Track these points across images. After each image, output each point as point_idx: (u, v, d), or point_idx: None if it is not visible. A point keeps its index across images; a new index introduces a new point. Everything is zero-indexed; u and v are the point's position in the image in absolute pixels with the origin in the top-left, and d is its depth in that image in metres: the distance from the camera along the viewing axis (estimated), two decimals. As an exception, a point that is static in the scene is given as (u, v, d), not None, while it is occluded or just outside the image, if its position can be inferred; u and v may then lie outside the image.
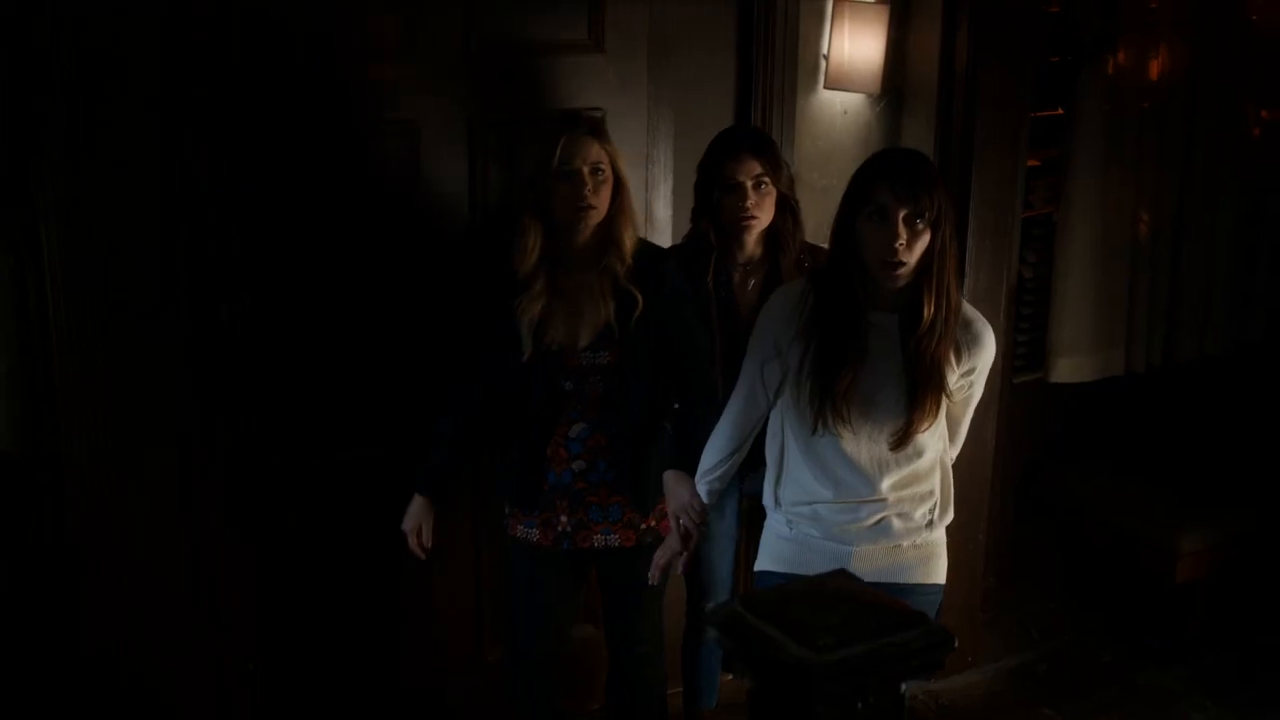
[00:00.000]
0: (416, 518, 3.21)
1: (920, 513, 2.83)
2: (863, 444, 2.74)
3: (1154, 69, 4.37)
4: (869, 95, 4.01)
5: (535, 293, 3.00)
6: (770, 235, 3.35)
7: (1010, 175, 4.04)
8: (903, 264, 2.59)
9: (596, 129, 3.03)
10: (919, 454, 2.76)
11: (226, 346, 3.20)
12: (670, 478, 3.02)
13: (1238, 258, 4.71)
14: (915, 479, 2.80)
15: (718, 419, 2.95)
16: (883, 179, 2.62)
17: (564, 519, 3.13)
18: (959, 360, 2.72)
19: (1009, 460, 4.47)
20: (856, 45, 3.90)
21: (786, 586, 1.70)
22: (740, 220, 3.27)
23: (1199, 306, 4.67)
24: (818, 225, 4.02)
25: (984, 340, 2.76)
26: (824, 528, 2.81)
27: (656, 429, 3.13)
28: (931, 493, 2.83)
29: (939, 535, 2.90)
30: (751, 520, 3.54)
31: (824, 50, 3.95)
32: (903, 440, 2.70)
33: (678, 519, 2.97)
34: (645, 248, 3.14)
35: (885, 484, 2.76)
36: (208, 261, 3.14)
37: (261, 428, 3.28)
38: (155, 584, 3.20)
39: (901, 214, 2.58)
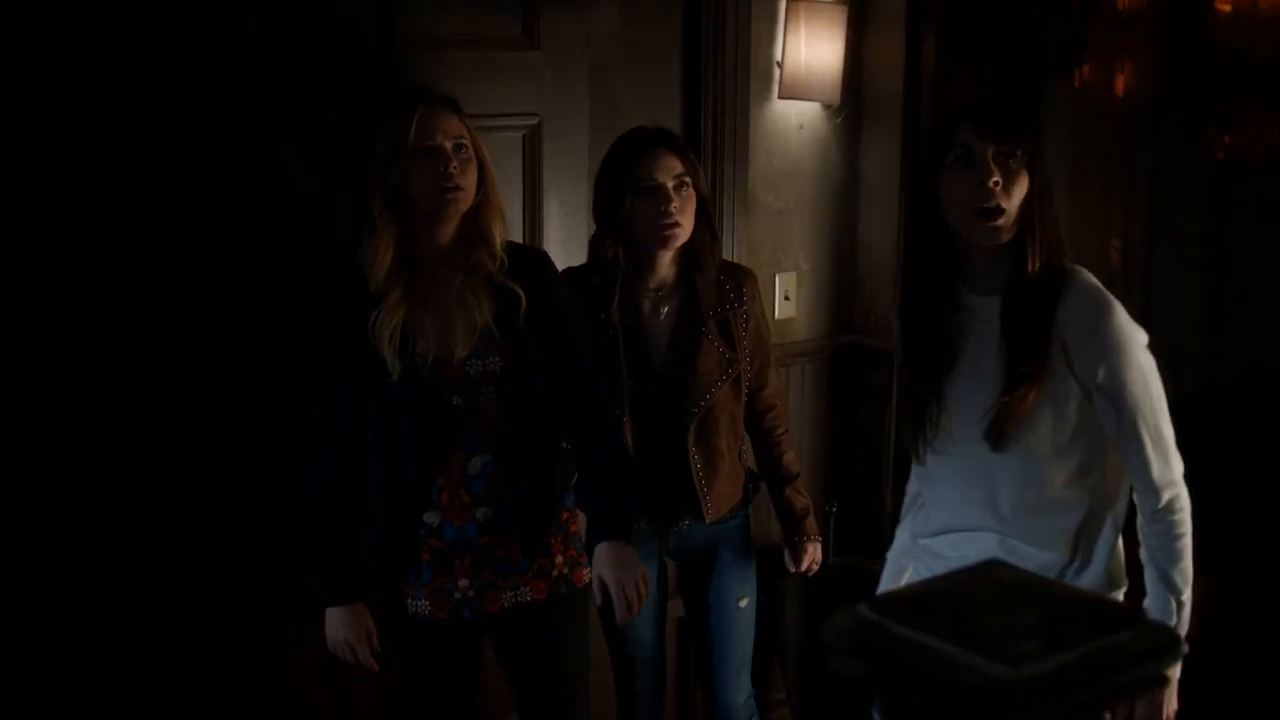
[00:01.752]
0: (345, 629, 2.57)
1: (1048, 556, 2.29)
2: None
3: (1119, 86, 4.11)
4: (827, 106, 3.65)
5: (393, 302, 2.46)
6: (686, 253, 2.85)
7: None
8: (1001, 210, 2.17)
9: (455, 104, 2.56)
10: (1042, 471, 2.28)
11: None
12: (609, 547, 2.56)
13: (1207, 291, 4.43)
14: (1040, 507, 2.29)
15: (621, 448, 2.62)
16: (963, 118, 2.22)
17: (464, 583, 2.57)
18: (1073, 346, 2.23)
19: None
20: (813, 50, 3.53)
21: (927, 584, 1.23)
22: (662, 229, 2.74)
23: (1169, 338, 4.37)
24: (773, 252, 3.65)
25: (1106, 320, 2.23)
26: (946, 565, 2.35)
27: (557, 453, 2.66)
28: (1067, 533, 2.30)
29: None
30: (691, 594, 3.05)
31: (777, 56, 3.58)
32: (997, 434, 2.23)
33: (622, 588, 2.52)
34: (517, 247, 2.66)
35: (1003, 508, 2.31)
36: None
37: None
38: None
39: (990, 152, 2.17)
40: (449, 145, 2.47)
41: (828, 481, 3.86)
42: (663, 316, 2.85)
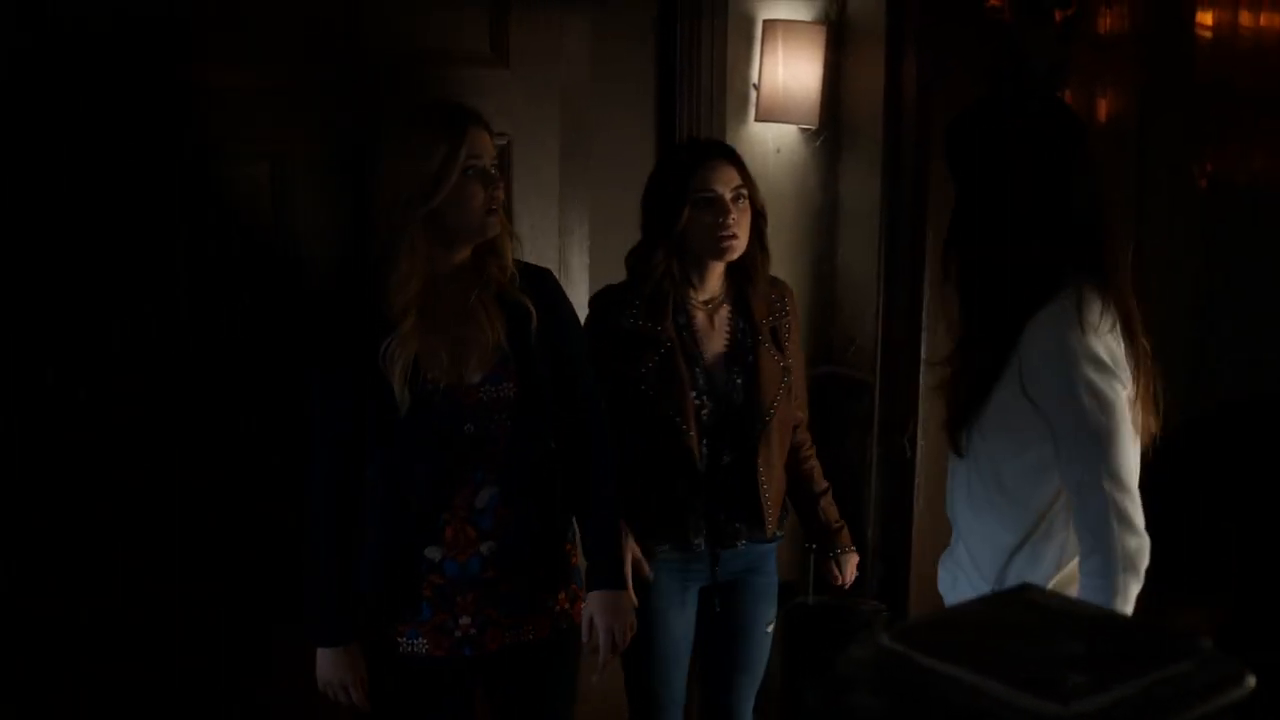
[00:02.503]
0: (340, 670, 2.44)
1: (966, 579, 2.28)
2: None
3: (1101, 111, 4.01)
4: (805, 129, 3.54)
5: (408, 329, 2.35)
6: (736, 265, 2.80)
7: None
8: None
9: (486, 122, 2.46)
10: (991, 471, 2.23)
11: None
12: (609, 594, 2.54)
13: (1195, 326, 4.33)
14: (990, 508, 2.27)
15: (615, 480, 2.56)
16: None
17: (465, 620, 2.46)
18: (1024, 359, 2.18)
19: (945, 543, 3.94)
20: (791, 71, 3.43)
21: (956, 611, 1.09)
22: (719, 241, 2.71)
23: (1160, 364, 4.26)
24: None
25: (1056, 336, 2.14)
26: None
27: (558, 482, 2.55)
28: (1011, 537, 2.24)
29: None
30: (716, 618, 2.91)
31: (754, 78, 3.48)
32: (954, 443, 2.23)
33: (611, 635, 2.50)
34: (522, 264, 2.56)
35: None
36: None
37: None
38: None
39: None
40: (490, 166, 2.41)
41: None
42: (715, 328, 2.80)
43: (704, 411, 2.73)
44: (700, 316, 2.79)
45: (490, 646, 2.47)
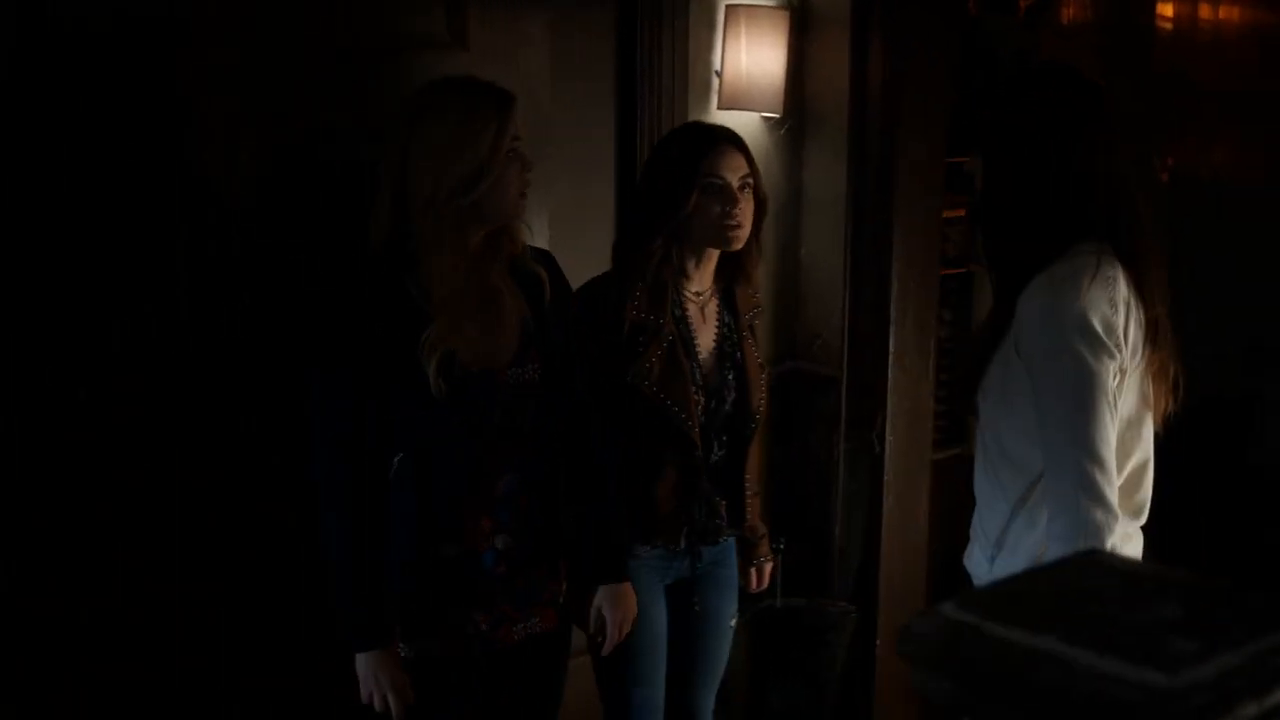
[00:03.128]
0: (385, 673, 2.28)
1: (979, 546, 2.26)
2: None
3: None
4: (769, 117, 3.44)
5: (449, 321, 2.25)
6: (729, 256, 2.69)
7: (934, 213, 3.51)
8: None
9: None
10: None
11: None
12: (615, 587, 2.52)
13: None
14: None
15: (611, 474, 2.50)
16: None
17: (480, 617, 2.33)
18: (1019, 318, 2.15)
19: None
20: (755, 58, 3.33)
21: (1027, 577, 0.98)
22: (725, 229, 2.59)
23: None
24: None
25: (1045, 301, 2.13)
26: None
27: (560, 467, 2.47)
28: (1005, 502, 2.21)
29: None
30: (689, 614, 2.78)
31: (716, 65, 3.38)
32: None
33: (618, 625, 2.52)
34: (528, 245, 2.49)
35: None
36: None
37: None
38: None
39: None
40: (521, 147, 2.31)
41: (772, 517, 3.62)
42: (706, 322, 2.70)
43: (700, 406, 2.64)
44: (693, 308, 2.68)
45: (505, 643, 2.37)
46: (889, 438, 3.45)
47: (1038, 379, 2.08)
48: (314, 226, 2.69)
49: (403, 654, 2.31)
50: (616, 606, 2.50)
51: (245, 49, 2.62)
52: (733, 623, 2.86)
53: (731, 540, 2.80)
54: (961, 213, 3.88)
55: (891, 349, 3.42)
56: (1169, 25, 4.18)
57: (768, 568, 2.91)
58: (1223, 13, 4.24)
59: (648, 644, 2.69)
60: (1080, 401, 2.04)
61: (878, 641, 3.51)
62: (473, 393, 2.27)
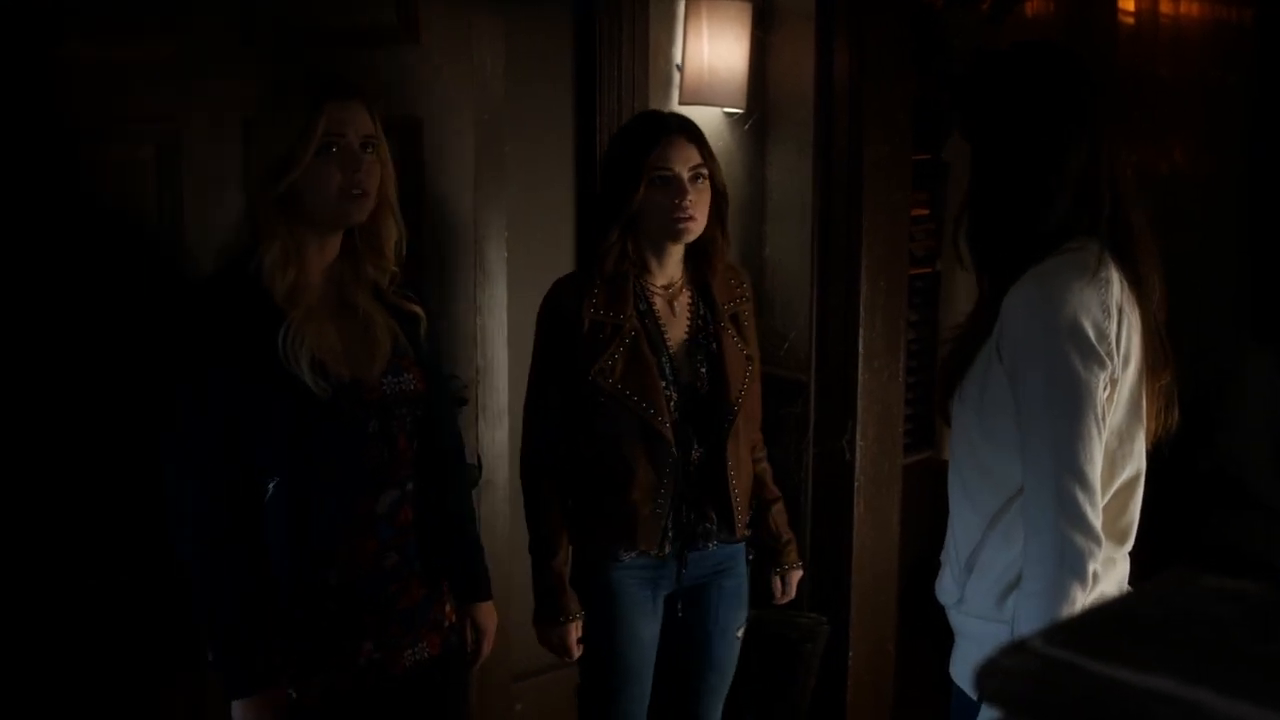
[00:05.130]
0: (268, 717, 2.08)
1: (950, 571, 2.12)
2: None
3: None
4: (731, 112, 3.33)
5: (300, 315, 2.08)
6: (695, 249, 2.59)
7: (902, 211, 3.41)
8: None
9: (367, 94, 2.17)
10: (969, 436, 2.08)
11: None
12: (488, 607, 2.46)
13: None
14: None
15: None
16: None
17: (368, 645, 2.17)
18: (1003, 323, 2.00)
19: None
20: (717, 51, 3.22)
21: (1126, 603, 0.86)
22: (675, 222, 2.49)
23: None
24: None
25: (1031, 304, 1.98)
26: None
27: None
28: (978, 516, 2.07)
29: (959, 619, 2.11)
30: (679, 623, 2.68)
31: (677, 59, 3.27)
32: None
33: (490, 643, 2.49)
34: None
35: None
36: None
37: None
38: None
39: None
40: (361, 145, 2.11)
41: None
42: (676, 315, 2.60)
43: (672, 402, 2.53)
44: (660, 302, 2.58)
45: (393, 670, 2.20)
46: (859, 443, 3.35)
47: (1020, 384, 1.93)
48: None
49: (291, 697, 2.11)
50: (490, 623, 2.44)
51: (180, 39, 2.48)
52: (739, 633, 2.76)
53: (739, 547, 2.70)
54: (926, 211, 3.79)
55: (861, 351, 3.31)
56: (1130, 20, 4.12)
57: (794, 576, 2.83)
58: (1183, 7, 4.19)
59: (636, 661, 2.59)
60: (1065, 411, 1.89)
61: (850, 653, 3.40)
62: (344, 403, 2.10)
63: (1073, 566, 1.87)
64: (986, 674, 0.75)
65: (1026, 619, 1.90)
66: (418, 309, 2.26)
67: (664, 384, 2.52)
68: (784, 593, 2.83)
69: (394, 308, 2.22)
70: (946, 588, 2.13)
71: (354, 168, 2.09)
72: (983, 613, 2.03)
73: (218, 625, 2.07)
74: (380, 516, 2.15)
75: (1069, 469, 1.88)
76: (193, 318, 2.11)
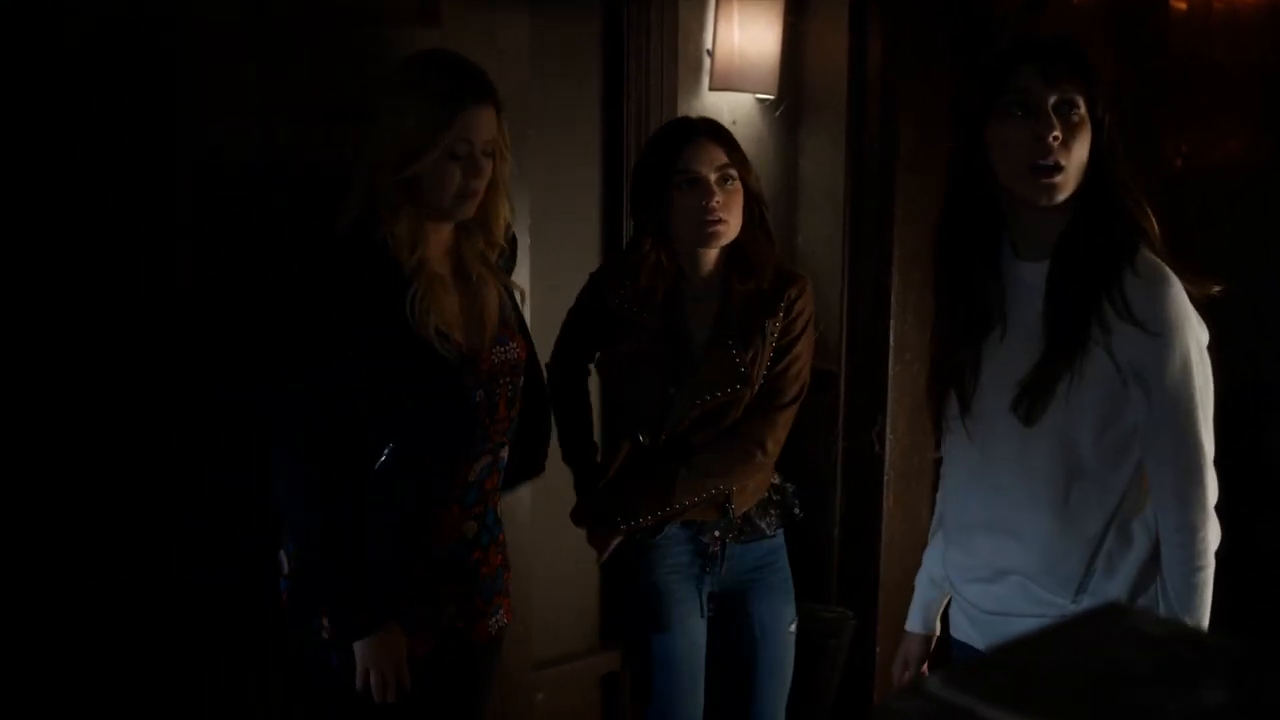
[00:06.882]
0: (390, 653, 2.15)
1: (1065, 570, 1.99)
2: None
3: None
4: (763, 99, 3.28)
5: (426, 280, 2.14)
6: (735, 254, 2.53)
7: (935, 201, 3.31)
8: (1060, 167, 1.89)
9: (496, 97, 2.20)
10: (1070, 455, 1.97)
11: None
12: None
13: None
14: (1061, 500, 2.02)
15: None
16: (1022, 59, 1.93)
17: (452, 610, 2.22)
18: (1112, 321, 1.90)
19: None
20: (748, 37, 3.17)
21: (1029, 643, 0.81)
22: (704, 226, 2.45)
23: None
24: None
25: (1156, 300, 1.89)
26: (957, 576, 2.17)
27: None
28: (1087, 540, 1.98)
29: None
30: (728, 623, 2.66)
31: (708, 44, 3.21)
32: (1028, 408, 1.95)
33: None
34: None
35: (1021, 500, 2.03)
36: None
37: None
38: None
39: (1052, 101, 1.90)
40: (483, 151, 2.16)
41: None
42: (700, 322, 2.57)
43: (673, 406, 2.53)
44: (689, 309, 2.55)
45: (477, 638, 2.28)
46: (889, 436, 3.29)
47: (1164, 384, 1.89)
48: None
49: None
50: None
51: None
52: (792, 628, 2.73)
53: (778, 541, 2.69)
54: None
55: (892, 343, 3.25)
56: (1183, 5, 4.00)
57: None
58: (1240, -10, 4.06)
59: (682, 654, 2.57)
60: (1209, 416, 1.92)
61: (877, 649, 3.35)
62: (458, 371, 2.17)
63: (1205, 581, 1.92)
64: (879, 716, 0.71)
65: (1200, 603, 1.92)
66: (520, 290, 2.36)
67: (670, 388, 2.51)
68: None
69: (501, 277, 2.31)
70: (1033, 597, 2.03)
71: (474, 174, 2.15)
72: None
73: (334, 582, 2.12)
74: (472, 483, 2.21)
75: (1209, 476, 1.92)
76: (333, 277, 2.14)
